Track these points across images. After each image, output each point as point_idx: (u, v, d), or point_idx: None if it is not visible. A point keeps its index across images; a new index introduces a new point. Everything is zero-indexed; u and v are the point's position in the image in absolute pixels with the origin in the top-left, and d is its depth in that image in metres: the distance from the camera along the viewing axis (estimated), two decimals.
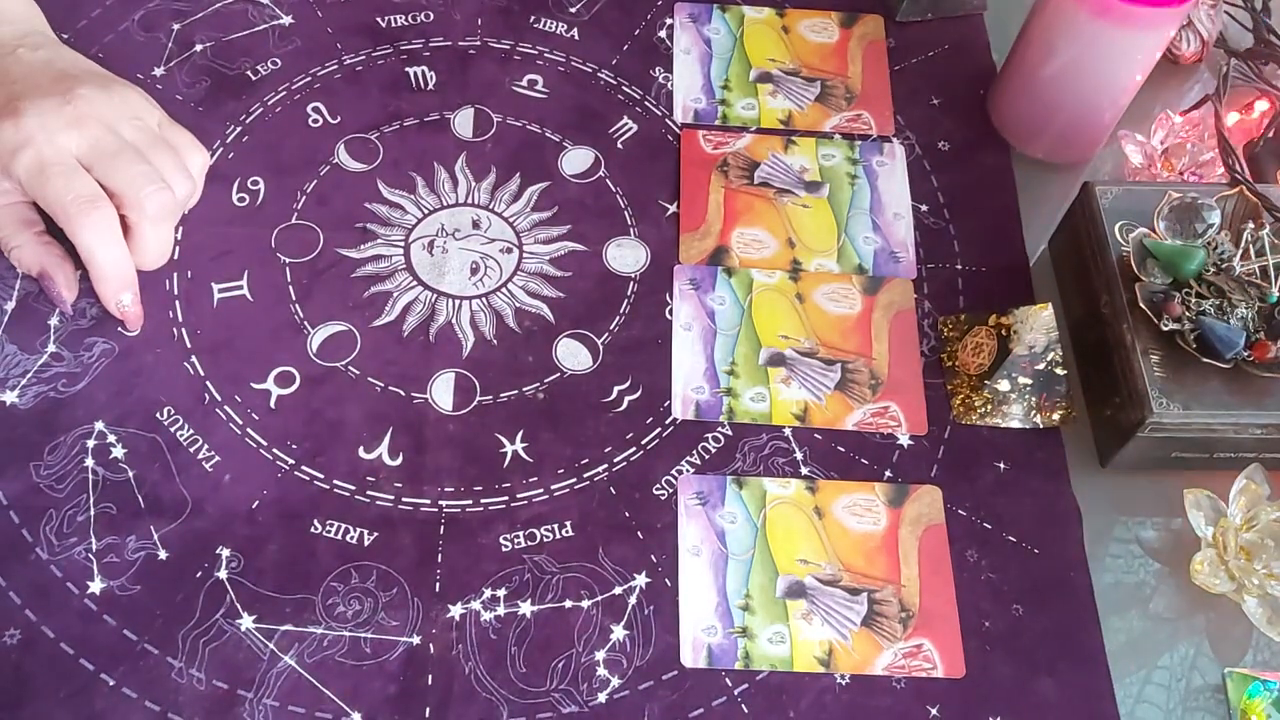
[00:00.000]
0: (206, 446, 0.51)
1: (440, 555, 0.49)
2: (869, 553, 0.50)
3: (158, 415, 0.51)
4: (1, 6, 0.55)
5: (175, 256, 0.55)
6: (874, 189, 0.61)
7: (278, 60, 0.62)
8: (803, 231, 0.59)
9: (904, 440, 0.53)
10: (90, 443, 0.50)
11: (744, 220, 0.59)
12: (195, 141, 0.55)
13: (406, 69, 0.63)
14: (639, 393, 0.54)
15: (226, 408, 0.52)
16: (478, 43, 0.65)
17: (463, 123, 0.61)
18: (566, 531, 0.50)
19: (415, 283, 0.56)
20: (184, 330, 0.54)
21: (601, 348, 0.55)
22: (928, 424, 0.54)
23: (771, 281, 0.57)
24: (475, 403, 0.53)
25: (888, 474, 0.52)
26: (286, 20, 0.64)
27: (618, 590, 0.49)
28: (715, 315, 0.56)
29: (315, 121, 0.60)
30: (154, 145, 0.53)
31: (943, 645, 0.48)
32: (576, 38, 0.65)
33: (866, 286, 0.57)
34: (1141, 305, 0.51)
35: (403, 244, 0.57)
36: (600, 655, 0.47)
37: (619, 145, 0.61)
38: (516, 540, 0.50)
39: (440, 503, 0.50)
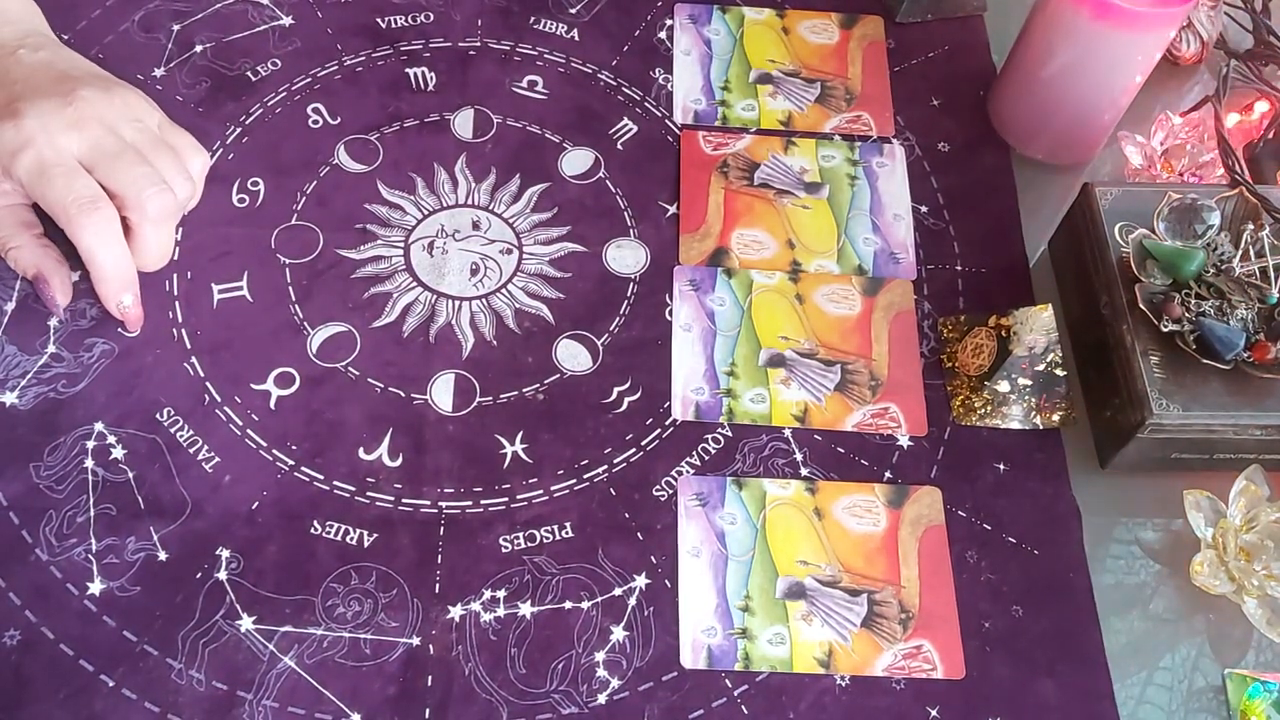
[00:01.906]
0: (206, 447, 0.51)
1: (440, 556, 0.49)
2: (869, 554, 0.50)
3: (157, 416, 0.51)
4: (2, 6, 0.55)
5: (175, 257, 0.55)
6: (874, 190, 0.61)
7: (278, 61, 0.62)
8: (803, 232, 0.59)
9: (904, 441, 0.53)
10: (90, 444, 0.50)
11: (744, 221, 0.59)
12: (196, 143, 0.55)
13: (406, 70, 0.63)
14: (639, 394, 0.54)
15: (226, 408, 0.52)
16: (478, 44, 0.65)
17: (463, 124, 0.61)
18: (566, 532, 0.50)
19: (415, 284, 0.56)
20: (184, 331, 0.54)
21: (601, 349, 0.55)
22: (927, 425, 0.54)
23: (771, 282, 0.57)
24: (475, 404, 0.53)
25: (887, 475, 0.52)
26: (286, 21, 0.64)
27: (617, 591, 0.49)
28: (715, 316, 0.56)
29: (315, 122, 0.60)
30: (155, 147, 0.53)
31: (942, 646, 0.48)
32: (576, 39, 0.65)
33: (866, 288, 0.57)
34: (1141, 306, 0.51)
35: (403, 245, 0.57)
36: (600, 656, 0.47)
37: (619, 146, 0.61)
38: (516, 541, 0.49)
39: (440, 504, 0.50)
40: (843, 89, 0.64)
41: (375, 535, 0.49)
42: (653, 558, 0.49)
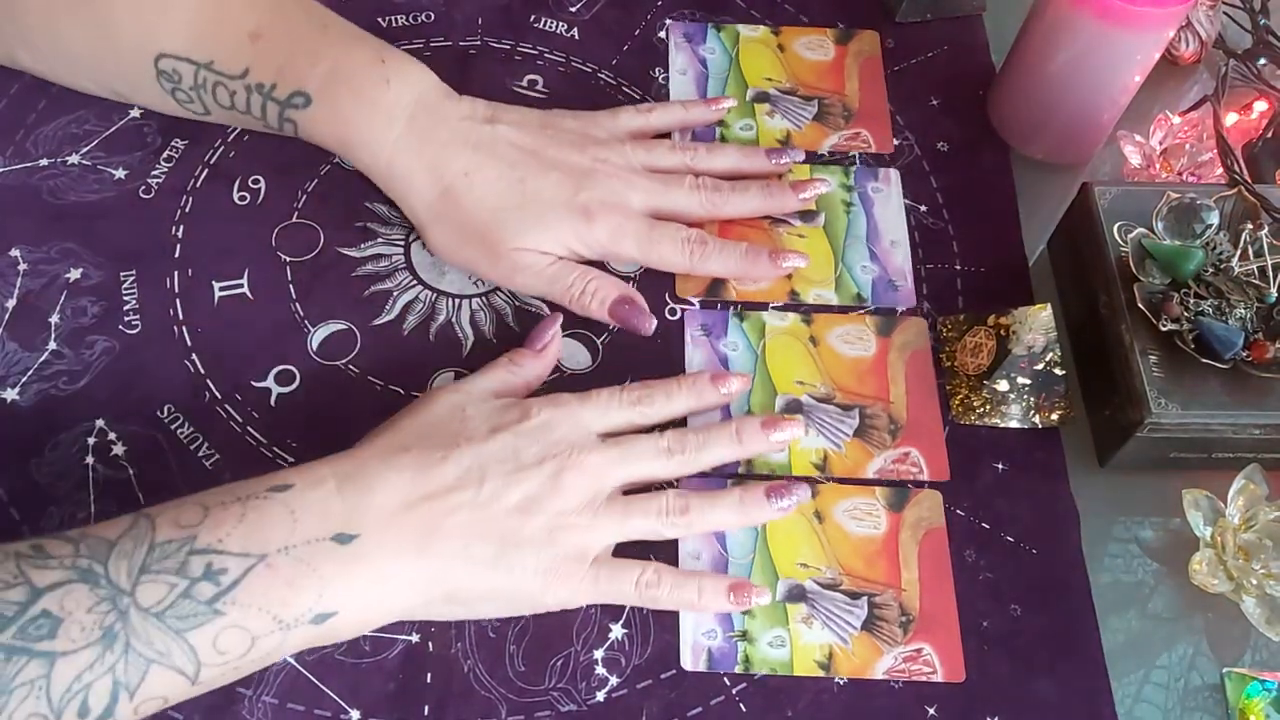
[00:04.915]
0: (207, 444, 0.51)
1: None
2: (869, 556, 0.50)
3: (158, 413, 0.51)
4: (407, 72, 0.55)
5: (176, 254, 0.56)
6: (870, 216, 0.60)
7: None
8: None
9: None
10: (91, 440, 0.50)
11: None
12: (616, 111, 0.59)
13: None
14: None
15: (226, 406, 0.52)
16: (478, 42, 0.65)
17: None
18: None
19: (415, 281, 0.56)
20: (184, 328, 0.54)
21: (601, 347, 0.55)
22: (949, 470, 0.52)
23: (784, 325, 0.56)
24: None
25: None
26: None
27: None
28: (728, 362, 0.54)
29: None
30: (652, 152, 0.57)
31: (943, 649, 0.48)
32: (577, 37, 0.66)
33: (880, 327, 0.56)
34: (1140, 305, 0.51)
35: (403, 243, 0.57)
36: (599, 654, 0.47)
37: None
38: None
39: None
40: (840, 106, 0.64)
41: None
42: (653, 555, 0.49)
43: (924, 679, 0.47)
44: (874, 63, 0.66)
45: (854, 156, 0.62)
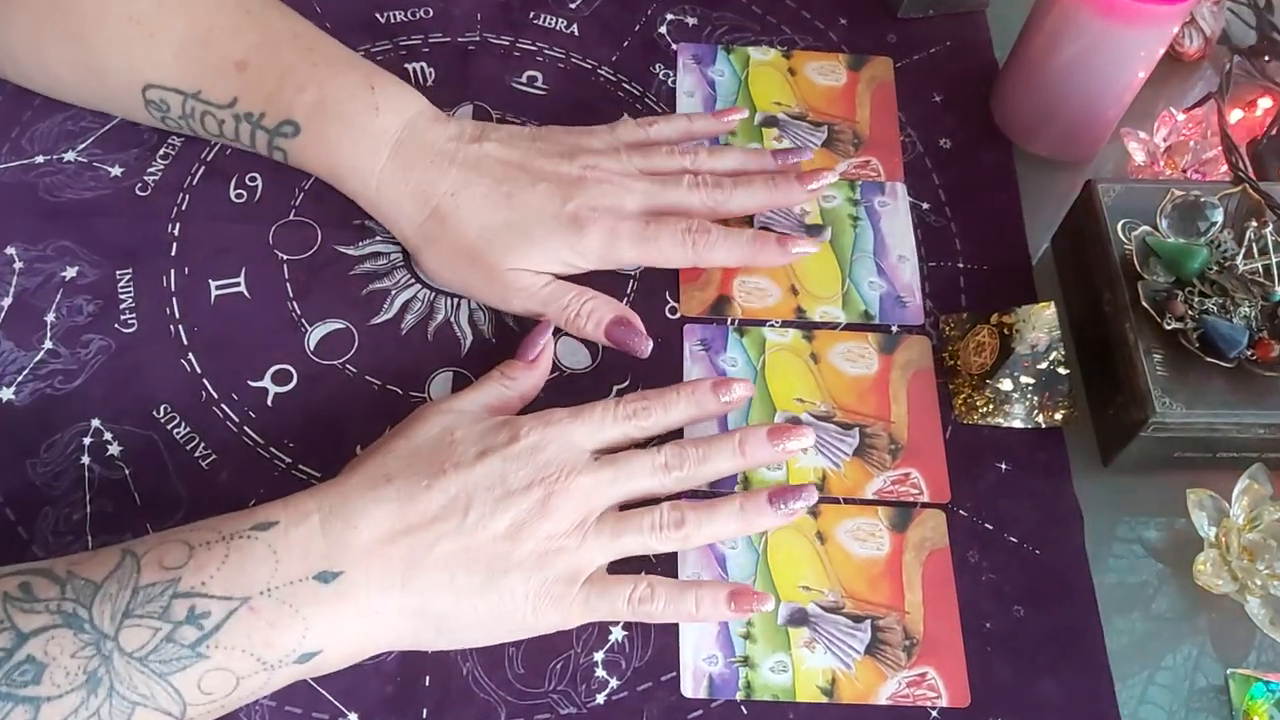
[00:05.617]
0: (203, 444, 0.50)
1: None
2: (872, 578, 0.49)
3: (154, 413, 0.51)
4: (395, 95, 0.54)
5: (172, 253, 0.55)
6: (877, 230, 0.59)
7: None
8: (805, 278, 0.57)
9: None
10: (87, 440, 0.50)
11: (745, 268, 0.57)
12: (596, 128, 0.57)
13: (406, 65, 0.63)
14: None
15: (223, 405, 0.51)
16: (477, 39, 0.64)
17: (462, 119, 0.61)
18: None
19: (413, 280, 0.56)
20: (181, 327, 0.53)
21: (600, 346, 0.54)
22: (950, 491, 0.51)
23: (785, 341, 0.55)
24: None
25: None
26: None
27: None
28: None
29: None
30: (643, 153, 0.56)
31: (947, 673, 0.47)
32: (576, 34, 0.65)
33: (882, 345, 0.55)
34: (1144, 304, 0.51)
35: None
36: (599, 656, 0.47)
37: None
38: None
39: None
40: (850, 133, 0.62)
41: None
42: (653, 557, 0.49)
43: (928, 704, 0.47)
44: (886, 89, 0.64)
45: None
